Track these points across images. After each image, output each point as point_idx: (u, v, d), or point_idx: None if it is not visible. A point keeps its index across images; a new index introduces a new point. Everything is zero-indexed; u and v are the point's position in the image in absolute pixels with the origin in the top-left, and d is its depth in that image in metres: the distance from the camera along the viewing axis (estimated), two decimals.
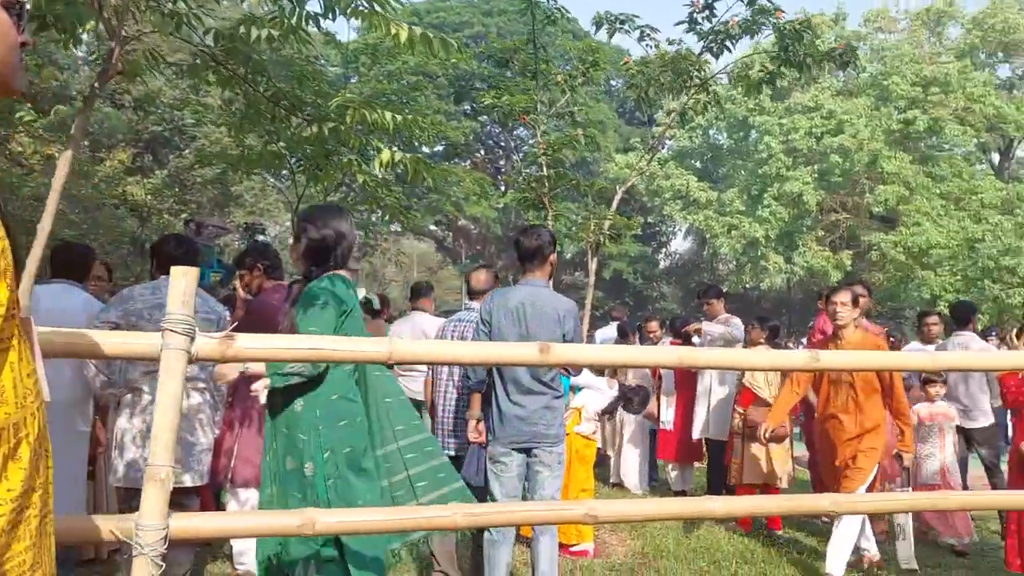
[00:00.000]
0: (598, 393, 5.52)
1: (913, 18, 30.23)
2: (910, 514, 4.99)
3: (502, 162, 30.00)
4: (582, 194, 7.58)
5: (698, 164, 31.45)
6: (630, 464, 7.71)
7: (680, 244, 37.59)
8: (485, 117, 29.23)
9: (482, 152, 31.06)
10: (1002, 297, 22.53)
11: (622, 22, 6.52)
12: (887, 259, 25.15)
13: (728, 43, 6.10)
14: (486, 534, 3.98)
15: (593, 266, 6.26)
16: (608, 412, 5.53)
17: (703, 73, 6.34)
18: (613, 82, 33.54)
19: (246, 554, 4.14)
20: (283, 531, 2.30)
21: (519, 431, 3.84)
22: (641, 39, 6.61)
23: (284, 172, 12.88)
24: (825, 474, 4.99)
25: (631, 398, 5.60)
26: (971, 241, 23.41)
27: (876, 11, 30.44)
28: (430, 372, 4.88)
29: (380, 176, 6.50)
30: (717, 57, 6.35)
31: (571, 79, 7.00)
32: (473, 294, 4.81)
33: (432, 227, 30.06)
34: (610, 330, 9.30)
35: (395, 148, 4.11)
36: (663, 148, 32.10)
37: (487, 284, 4.68)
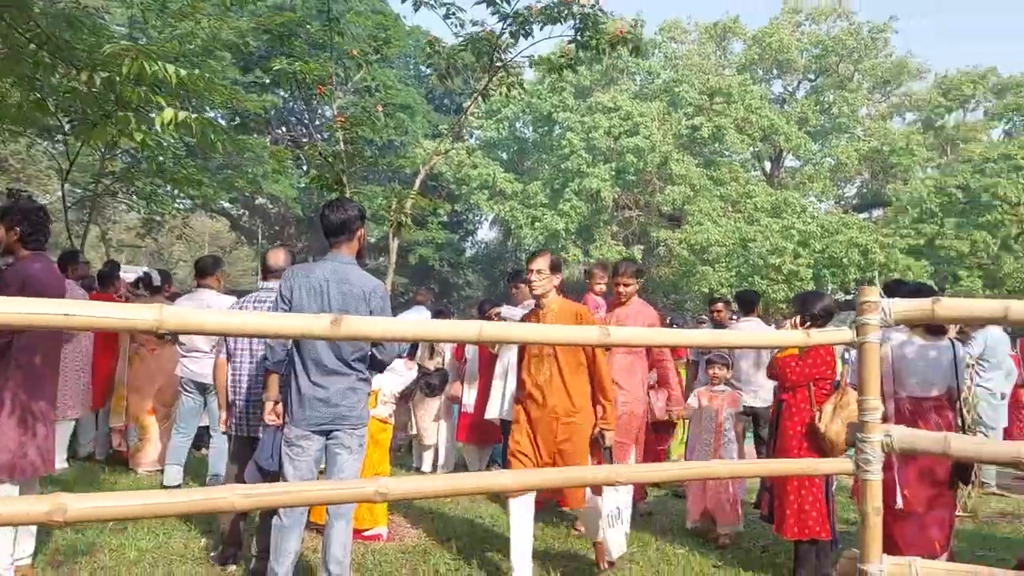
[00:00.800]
0: (395, 375, 5.43)
1: (702, 31, 32.60)
2: (631, 500, 4.96)
3: (305, 140, 28.94)
4: (382, 172, 7.45)
5: (505, 156, 32.07)
6: (437, 449, 7.71)
7: (486, 233, 38.19)
8: (287, 93, 28.09)
9: (283, 129, 29.80)
10: (768, 292, 24.93)
11: None
12: (673, 255, 27.04)
13: (526, 28, 6.18)
14: (275, 519, 3.79)
15: (394, 246, 6.14)
16: (406, 395, 5.45)
17: (503, 56, 6.40)
18: (424, 68, 33.40)
19: None
20: (31, 519, 2.03)
21: (320, 414, 3.68)
22: (447, 17, 6.57)
23: (58, 138, 11.61)
24: (520, 451, 4.46)
25: (430, 381, 5.56)
26: (744, 241, 25.70)
27: (671, 22, 32.50)
28: (225, 351, 4.59)
29: (166, 143, 6.00)
30: (517, 40, 6.42)
31: (364, 54, 6.81)
32: (269, 274, 4.59)
33: (226, 205, 28.43)
34: (414, 313, 9.21)
35: (182, 108, 3.76)
36: (471, 137, 32.49)
37: (285, 263, 4.48)
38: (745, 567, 4.94)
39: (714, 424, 5.71)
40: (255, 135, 24.78)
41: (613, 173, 27.14)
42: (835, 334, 2.99)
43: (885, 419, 4.54)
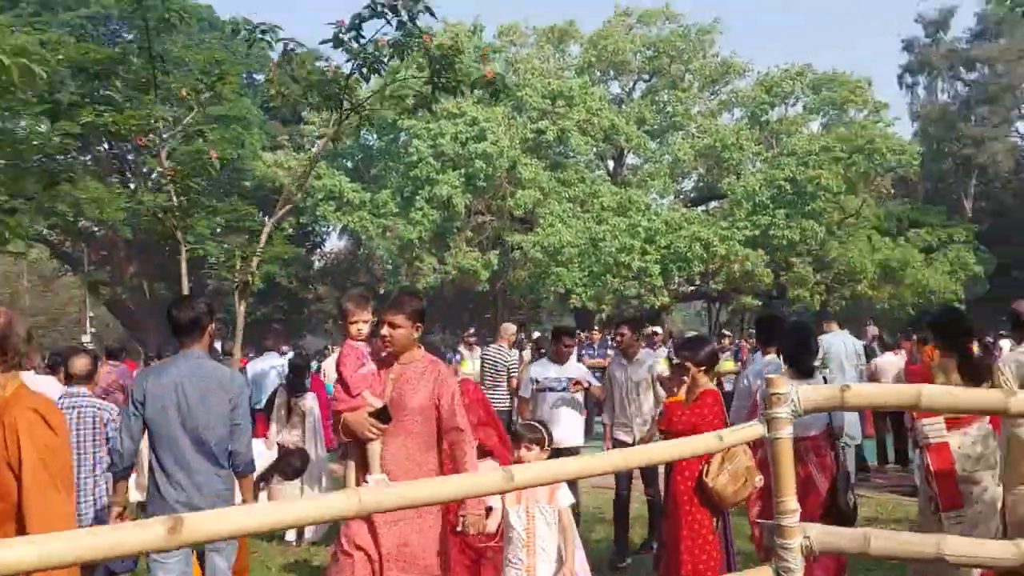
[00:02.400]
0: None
1: (540, 35, 32.92)
2: None
3: (131, 156, 26.80)
4: (220, 186, 6.79)
5: (350, 164, 31.11)
6: None
7: (335, 243, 37.04)
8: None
9: (106, 146, 27.49)
10: (621, 289, 25.56)
11: (263, 31, 5.87)
12: (528, 258, 27.17)
13: (377, 65, 5.79)
14: None
15: (241, 310, 5.55)
16: (263, 479, 4.90)
17: (353, 97, 5.98)
18: (258, 76, 31.91)
19: None
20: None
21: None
22: (284, 54, 6.04)
23: None
24: None
25: (291, 463, 5.04)
26: (595, 240, 26.19)
27: (509, 25, 32.59)
28: None
29: None
30: (367, 80, 6.04)
31: (196, 93, 6.11)
32: (72, 379, 4.64)
33: (44, 231, 25.95)
34: (266, 362, 8.47)
35: None
36: (312, 147, 31.28)
37: (90, 369, 4.70)
38: None
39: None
40: (73, 155, 22.67)
41: (463, 179, 26.90)
42: (745, 431, 2.79)
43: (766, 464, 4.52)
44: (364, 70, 5.76)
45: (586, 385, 6.37)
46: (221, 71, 6.03)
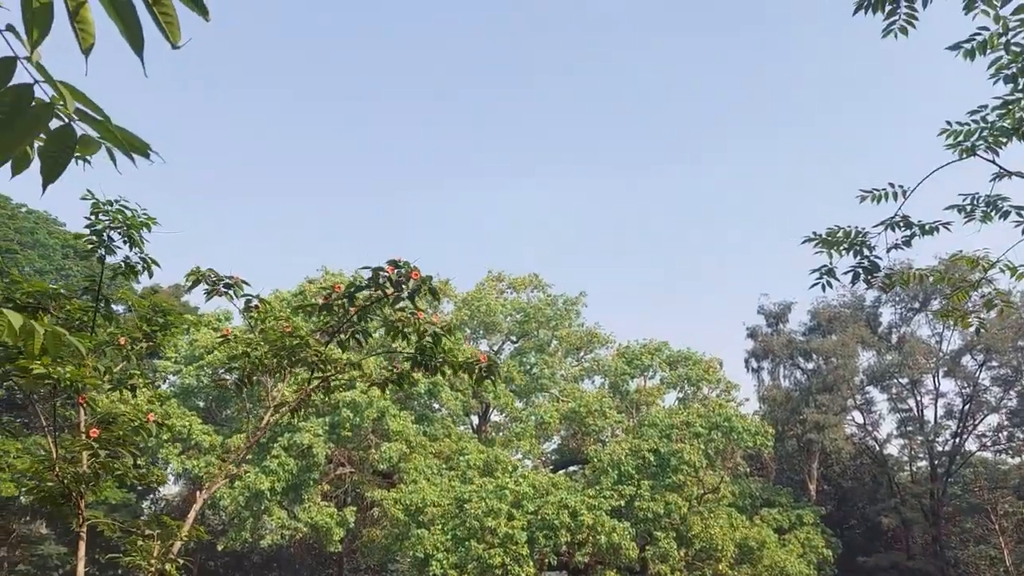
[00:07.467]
0: None
1: None
2: None
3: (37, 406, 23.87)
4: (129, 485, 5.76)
5: (202, 403, 29.13)
6: None
7: (170, 488, 33.63)
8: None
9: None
10: (485, 557, 24.10)
11: (228, 286, 5.35)
12: (387, 516, 25.47)
13: (360, 337, 5.38)
14: None
15: None
16: None
17: (327, 366, 5.46)
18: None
19: None
20: None
21: None
22: (247, 309, 5.50)
23: None
24: None
25: None
26: (460, 501, 25.06)
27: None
28: None
29: None
30: (344, 350, 5.59)
31: (134, 343, 5.39)
32: None
33: None
34: None
35: None
36: (164, 383, 29.24)
37: None
38: None
39: None
40: None
41: (327, 428, 25.63)
42: None
43: None
44: (343, 338, 5.30)
45: None
46: (166, 320, 5.36)
